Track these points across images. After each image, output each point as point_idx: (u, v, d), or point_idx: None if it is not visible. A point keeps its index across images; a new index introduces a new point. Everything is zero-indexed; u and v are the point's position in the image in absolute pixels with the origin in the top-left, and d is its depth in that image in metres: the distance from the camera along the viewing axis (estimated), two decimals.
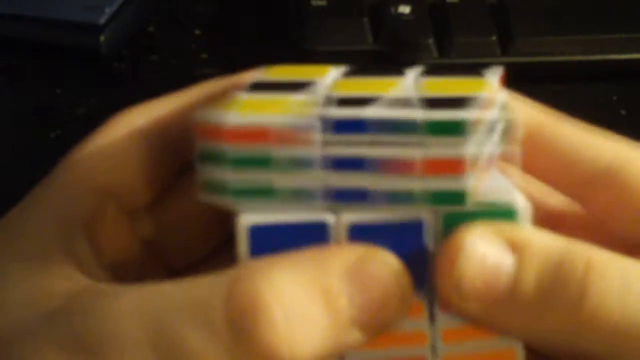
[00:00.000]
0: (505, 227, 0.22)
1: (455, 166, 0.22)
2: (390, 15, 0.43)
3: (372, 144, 0.22)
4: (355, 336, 0.22)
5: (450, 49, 0.42)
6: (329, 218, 0.23)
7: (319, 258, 0.22)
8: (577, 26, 0.44)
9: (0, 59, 0.44)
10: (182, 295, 0.21)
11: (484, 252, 0.22)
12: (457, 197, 0.22)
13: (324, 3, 0.44)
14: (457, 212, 0.22)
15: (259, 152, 0.22)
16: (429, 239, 0.23)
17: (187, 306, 0.21)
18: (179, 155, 0.26)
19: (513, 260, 0.22)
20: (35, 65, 0.44)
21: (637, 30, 0.43)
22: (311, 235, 0.23)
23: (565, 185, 0.26)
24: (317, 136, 0.22)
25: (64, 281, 0.23)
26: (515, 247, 0.22)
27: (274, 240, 0.22)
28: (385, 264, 0.22)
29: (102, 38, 0.43)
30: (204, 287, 0.22)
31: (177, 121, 0.26)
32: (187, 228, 0.27)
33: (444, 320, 0.23)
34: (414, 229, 0.23)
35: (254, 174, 0.23)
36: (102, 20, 0.43)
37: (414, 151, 0.22)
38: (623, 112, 0.42)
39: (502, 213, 0.23)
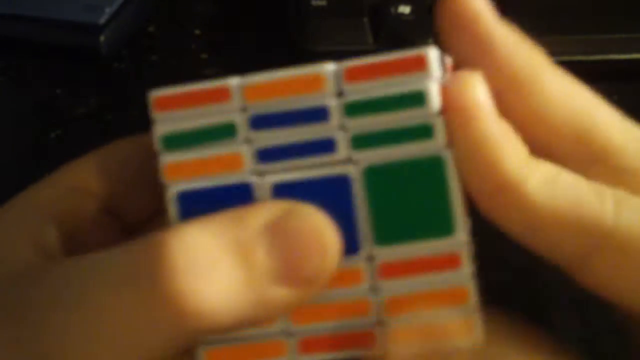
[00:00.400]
0: None
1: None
2: (390, 15, 0.43)
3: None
4: (279, 292, 0.21)
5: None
6: (253, 179, 0.23)
7: (237, 213, 0.22)
8: (577, 26, 0.44)
9: (0, 59, 0.44)
10: (107, 259, 0.22)
11: None
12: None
13: (324, 3, 0.44)
14: (375, 166, 0.23)
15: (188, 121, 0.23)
16: (357, 199, 0.23)
17: (107, 269, 0.21)
18: None
19: None
20: (35, 65, 0.44)
21: (637, 30, 0.43)
22: (237, 198, 0.23)
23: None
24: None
25: (14, 264, 0.23)
26: None
27: (202, 205, 0.23)
28: (306, 216, 0.22)
29: (102, 38, 0.43)
30: (127, 249, 0.22)
31: None
32: None
33: (387, 288, 0.23)
34: (340, 186, 0.23)
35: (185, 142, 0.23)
36: (102, 20, 0.43)
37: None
38: (623, 112, 0.41)
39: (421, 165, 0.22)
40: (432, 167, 0.22)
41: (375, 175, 0.23)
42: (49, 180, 0.26)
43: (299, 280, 0.22)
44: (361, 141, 0.23)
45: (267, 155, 0.23)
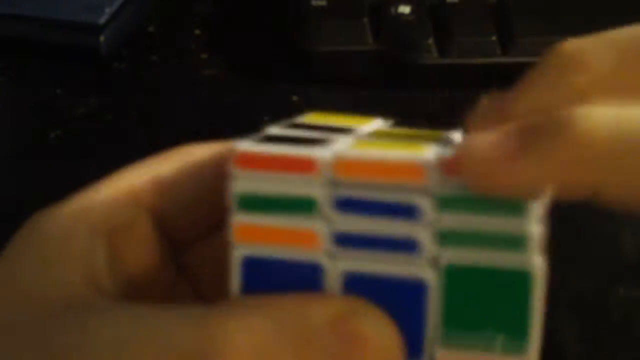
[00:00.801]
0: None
1: None
2: (390, 15, 0.43)
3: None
4: None
5: (450, 49, 0.42)
6: (324, 261, 0.21)
7: (303, 303, 0.21)
8: (577, 26, 0.43)
9: (0, 59, 0.44)
10: (156, 329, 0.21)
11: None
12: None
13: (324, 3, 0.44)
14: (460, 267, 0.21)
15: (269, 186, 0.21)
16: (430, 304, 0.21)
17: (155, 340, 0.21)
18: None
19: None
20: (35, 65, 0.44)
21: None
22: (304, 277, 0.21)
23: None
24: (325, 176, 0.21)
25: (63, 287, 0.23)
26: None
27: (267, 277, 0.22)
28: (373, 321, 0.21)
29: (102, 38, 0.43)
30: (177, 322, 0.21)
31: None
32: (221, 266, 0.26)
33: None
34: (414, 289, 0.21)
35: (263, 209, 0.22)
36: (102, 20, 0.43)
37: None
38: None
39: (515, 276, 0.21)
40: (518, 280, 0.21)
41: (456, 276, 0.21)
42: (102, 189, 0.25)
43: None
44: (448, 239, 0.21)
45: (345, 240, 0.21)
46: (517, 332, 0.21)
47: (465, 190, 0.20)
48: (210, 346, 0.20)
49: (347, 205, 0.21)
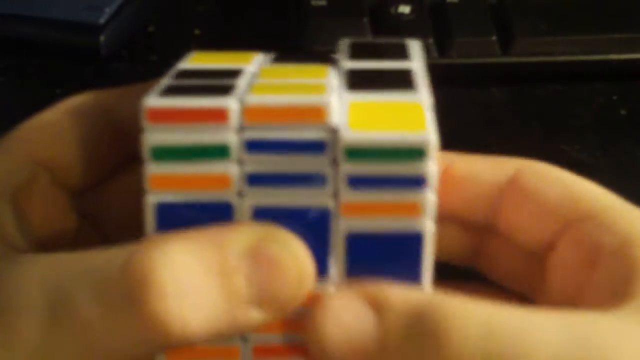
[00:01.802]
0: (366, 287, 0.22)
1: None
2: (390, 15, 0.43)
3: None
4: (253, 315, 0.22)
5: (450, 49, 0.42)
6: (233, 199, 0.23)
7: (219, 235, 0.22)
8: (577, 26, 0.44)
9: (0, 59, 0.44)
10: (84, 265, 0.22)
11: (346, 317, 0.22)
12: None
13: (324, 3, 0.44)
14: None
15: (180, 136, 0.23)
16: (332, 227, 0.23)
17: (86, 276, 0.21)
18: (127, 144, 0.26)
19: (375, 320, 0.22)
20: (35, 65, 0.44)
21: (637, 30, 0.43)
22: (216, 217, 0.23)
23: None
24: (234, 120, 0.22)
25: None
26: (377, 307, 0.22)
27: (180, 219, 0.23)
28: (285, 243, 0.22)
29: (102, 38, 0.43)
30: (104, 258, 0.22)
31: (128, 111, 0.26)
32: (127, 209, 0.27)
33: None
34: (319, 216, 0.23)
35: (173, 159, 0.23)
36: (102, 20, 0.43)
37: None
38: (623, 112, 0.41)
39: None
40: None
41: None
42: (1, 148, 0.26)
43: (274, 305, 0.22)
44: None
45: (256, 179, 0.23)
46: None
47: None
48: (132, 282, 0.21)
49: (257, 146, 0.22)
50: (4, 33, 0.45)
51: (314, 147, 0.22)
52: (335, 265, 0.23)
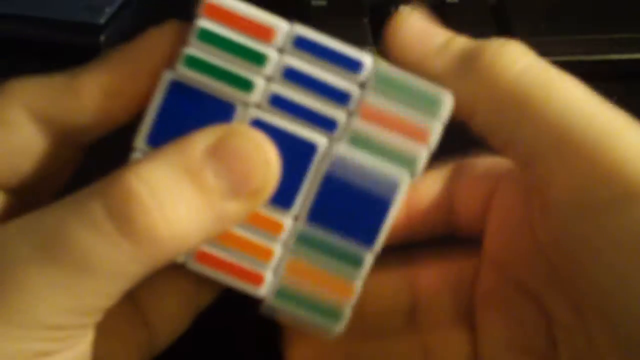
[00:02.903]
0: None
1: None
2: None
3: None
4: (232, 206, 0.24)
5: None
6: (239, 105, 0.25)
7: (181, 142, 0.24)
8: (577, 26, 0.44)
9: (0, 59, 0.44)
10: (67, 206, 0.23)
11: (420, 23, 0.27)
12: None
13: (324, 3, 0.44)
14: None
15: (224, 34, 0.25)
16: (314, 167, 0.25)
17: (72, 211, 0.23)
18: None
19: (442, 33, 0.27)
20: (35, 65, 0.44)
21: (637, 30, 0.43)
22: (218, 114, 0.25)
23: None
24: (281, 39, 0.25)
25: None
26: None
27: (186, 104, 0.25)
28: (246, 136, 0.24)
29: (102, 38, 0.43)
30: (85, 192, 0.23)
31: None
32: None
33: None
34: (307, 149, 0.25)
35: (211, 51, 0.25)
36: (102, 20, 0.43)
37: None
38: (623, 112, 0.41)
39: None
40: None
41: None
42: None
43: (248, 193, 0.24)
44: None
45: (276, 101, 0.25)
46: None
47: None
48: (114, 204, 0.22)
49: (292, 75, 0.25)
50: (4, 33, 0.45)
51: (340, 96, 0.24)
52: (302, 204, 0.25)
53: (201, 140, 0.24)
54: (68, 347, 0.23)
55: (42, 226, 0.23)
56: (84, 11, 0.44)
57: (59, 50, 0.44)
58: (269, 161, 0.24)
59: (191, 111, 0.25)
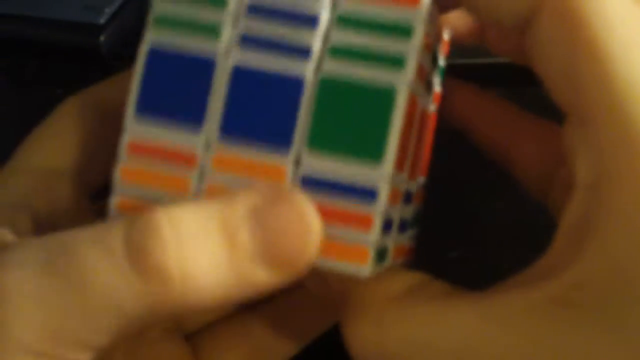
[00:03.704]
0: None
1: None
2: None
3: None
4: (260, 273, 0.22)
5: (450, 49, 0.42)
6: (220, 57, 0.24)
7: (225, 197, 0.23)
8: None
9: (0, 59, 0.44)
10: (87, 229, 0.22)
11: None
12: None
13: None
14: (336, 78, 0.23)
15: None
16: (304, 103, 0.24)
17: (89, 232, 0.22)
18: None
19: None
20: (35, 65, 0.44)
21: None
22: (199, 72, 0.24)
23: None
24: None
25: None
26: None
27: (166, 70, 0.24)
28: (292, 203, 0.23)
29: (102, 38, 0.43)
30: (111, 220, 0.22)
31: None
32: None
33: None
34: (293, 85, 0.24)
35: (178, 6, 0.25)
36: (102, 20, 0.44)
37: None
38: None
39: (377, 91, 0.23)
40: (384, 97, 0.23)
41: (331, 86, 0.23)
42: (17, 164, 0.26)
43: (279, 262, 0.22)
44: (336, 53, 0.23)
45: (248, 40, 0.24)
46: (376, 146, 0.23)
47: (361, 12, 0.23)
48: (134, 233, 0.21)
49: (257, 10, 0.24)
50: (4, 33, 0.45)
51: (309, 21, 0.24)
52: (298, 138, 0.24)
53: (246, 198, 0.22)
54: None
55: (54, 240, 0.22)
56: (84, 11, 0.44)
57: (59, 50, 0.44)
58: (310, 233, 0.22)
59: (173, 76, 0.24)
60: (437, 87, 0.28)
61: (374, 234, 0.23)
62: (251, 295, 0.23)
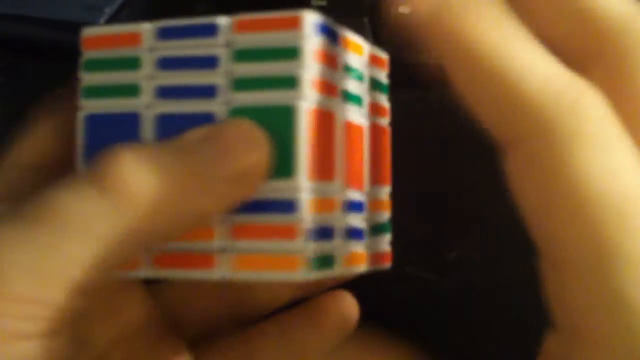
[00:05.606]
0: None
1: None
2: (391, 15, 0.43)
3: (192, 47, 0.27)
4: (219, 186, 0.24)
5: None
6: (143, 110, 0.27)
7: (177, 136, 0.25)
8: None
9: (0, 59, 0.44)
10: (55, 182, 0.24)
11: None
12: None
13: (323, 3, 0.44)
14: (244, 107, 0.26)
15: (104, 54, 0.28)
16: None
17: (58, 183, 0.23)
18: None
19: None
20: (35, 65, 0.44)
21: None
22: (129, 127, 0.27)
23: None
24: (147, 39, 0.28)
25: None
26: None
27: (102, 132, 0.27)
28: (234, 123, 0.25)
29: None
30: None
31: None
32: None
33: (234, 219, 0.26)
34: (207, 121, 0.26)
35: (100, 74, 0.28)
36: (102, 20, 0.43)
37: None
38: None
39: (279, 112, 0.25)
40: (285, 115, 0.25)
41: (241, 115, 0.26)
42: (8, 159, 0.27)
43: (235, 174, 0.24)
44: (239, 85, 0.26)
45: (164, 91, 0.27)
46: (287, 160, 0.25)
47: (251, 43, 0.26)
48: (99, 168, 0.23)
49: (165, 64, 0.27)
50: (4, 33, 0.45)
51: (209, 61, 0.27)
52: None
53: (197, 132, 0.25)
54: (51, 332, 0.22)
55: (29, 197, 0.23)
56: (84, 11, 0.44)
57: (59, 50, 0.44)
58: (259, 145, 0.24)
59: (108, 132, 0.27)
60: (383, 102, 0.31)
61: (300, 241, 0.24)
62: (217, 211, 0.24)
